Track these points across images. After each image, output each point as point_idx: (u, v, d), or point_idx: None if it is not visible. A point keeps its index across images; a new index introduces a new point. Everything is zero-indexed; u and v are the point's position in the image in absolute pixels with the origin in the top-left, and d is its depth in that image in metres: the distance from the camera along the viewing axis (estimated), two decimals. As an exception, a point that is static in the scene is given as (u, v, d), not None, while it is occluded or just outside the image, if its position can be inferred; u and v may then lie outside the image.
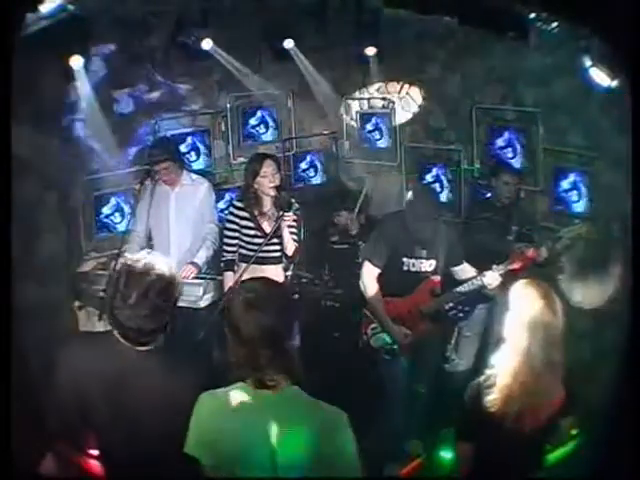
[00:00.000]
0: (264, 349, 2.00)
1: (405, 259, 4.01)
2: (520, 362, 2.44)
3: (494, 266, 3.91)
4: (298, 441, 1.98)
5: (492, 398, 2.46)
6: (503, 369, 2.48)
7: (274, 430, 1.98)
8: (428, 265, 4.04)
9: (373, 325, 4.08)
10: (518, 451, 2.49)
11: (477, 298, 4.37)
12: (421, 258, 4.02)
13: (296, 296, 5.09)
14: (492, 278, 3.89)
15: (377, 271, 4.01)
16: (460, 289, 4.02)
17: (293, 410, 2.03)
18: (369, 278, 4.02)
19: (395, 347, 4.04)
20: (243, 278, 3.63)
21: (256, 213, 4.29)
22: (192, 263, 4.48)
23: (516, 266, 3.95)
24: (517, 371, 2.44)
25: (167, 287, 2.20)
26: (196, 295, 4.30)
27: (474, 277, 3.99)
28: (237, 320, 2.02)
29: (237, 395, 2.04)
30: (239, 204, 4.36)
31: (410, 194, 4.15)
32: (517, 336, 2.46)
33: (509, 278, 3.91)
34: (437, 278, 4.08)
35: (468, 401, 2.55)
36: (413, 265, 4.03)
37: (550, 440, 2.62)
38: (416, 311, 4.06)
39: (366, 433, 2.20)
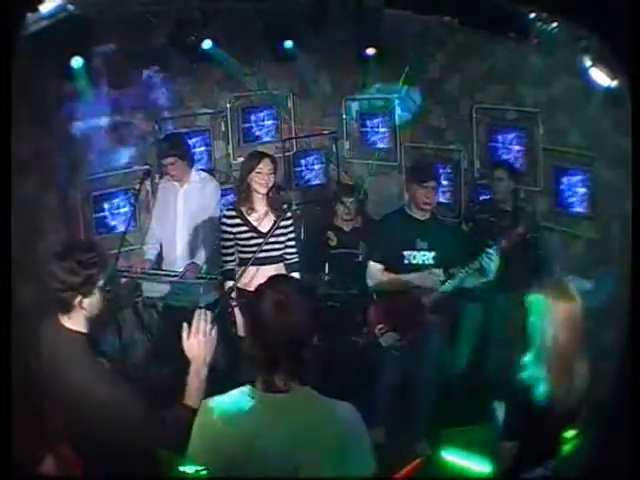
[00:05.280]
0: (285, 352, 1.95)
1: (406, 252, 4.12)
2: (556, 348, 2.55)
3: (487, 249, 3.95)
4: (315, 441, 1.93)
5: (542, 391, 2.52)
6: (542, 364, 2.56)
7: (290, 432, 1.92)
8: (431, 257, 4.14)
9: (380, 325, 4.16)
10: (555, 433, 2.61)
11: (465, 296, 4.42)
12: (423, 250, 4.13)
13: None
14: (489, 259, 3.92)
15: (381, 266, 4.15)
16: (460, 275, 4.06)
17: (307, 411, 1.98)
18: (375, 273, 4.17)
19: (404, 342, 4.14)
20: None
21: (244, 210, 4.16)
22: (192, 263, 4.48)
23: (506, 244, 4.07)
24: (556, 360, 2.55)
25: (88, 245, 2.48)
26: (196, 295, 4.30)
27: (471, 262, 4.02)
28: (263, 322, 1.96)
29: (245, 398, 1.99)
30: (229, 213, 4.22)
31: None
32: (544, 329, 2.57)
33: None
34: (437, 269, 4.15)
35: (517, 401, 2.60)
36: (414, 257, 4.14)
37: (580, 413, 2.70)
38: (418, 303, 4.15)
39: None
